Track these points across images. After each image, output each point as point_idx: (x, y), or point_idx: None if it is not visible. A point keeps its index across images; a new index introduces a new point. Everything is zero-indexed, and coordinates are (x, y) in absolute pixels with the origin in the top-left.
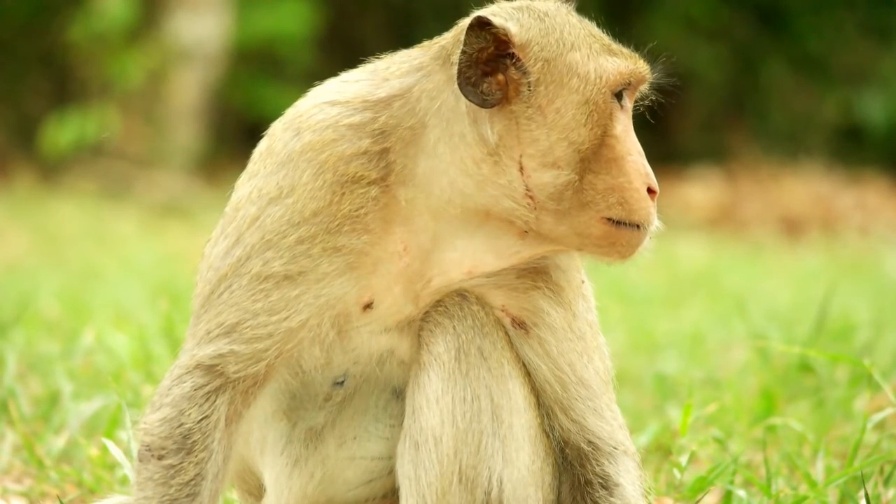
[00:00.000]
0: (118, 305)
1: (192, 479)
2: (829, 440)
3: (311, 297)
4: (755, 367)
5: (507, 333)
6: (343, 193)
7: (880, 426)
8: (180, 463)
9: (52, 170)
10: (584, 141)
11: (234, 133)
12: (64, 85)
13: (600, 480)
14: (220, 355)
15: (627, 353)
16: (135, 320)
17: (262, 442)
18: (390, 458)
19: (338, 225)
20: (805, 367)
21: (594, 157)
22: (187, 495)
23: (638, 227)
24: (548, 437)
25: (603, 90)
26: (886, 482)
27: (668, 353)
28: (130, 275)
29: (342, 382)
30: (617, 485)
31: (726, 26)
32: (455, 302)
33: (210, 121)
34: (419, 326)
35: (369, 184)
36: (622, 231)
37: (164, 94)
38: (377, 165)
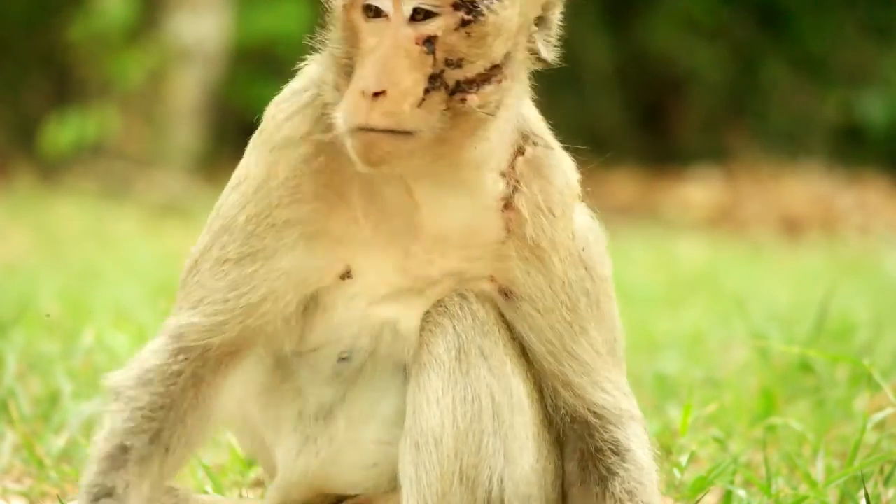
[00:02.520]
0: (118, 305)
1: (147, 407)
2: (829, 440)
3: (267, 273)
4: (755, 367)
5: (509, 331)
6: (277, 162)
7: (880, 426)
8: (138, 394)
9: (51, 169)
10: (342, 57)
11: (234, 133)
12: (64, 85)
13: (611, 447)
14: (182, 325)
15: (627, 352)
16: (135, 320)
17: (276, 419)
18: (395, 443)
19: (278, 197)
20: (805, 366)
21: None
22: (145, 421)
23: (360, 130)
24: (550, 433)
25: (340, 6)
26: (886, 482)
27: (667, 352)
28: (130, 275)
29: (347, 358)
30: (628, 450)
31: (726, 26)
32: (455, 302)
33: (210, 121)
34: (420, 327)
35: (300, 142)
36: (353, 137)
37: (164, 94)
38: (311, 123)
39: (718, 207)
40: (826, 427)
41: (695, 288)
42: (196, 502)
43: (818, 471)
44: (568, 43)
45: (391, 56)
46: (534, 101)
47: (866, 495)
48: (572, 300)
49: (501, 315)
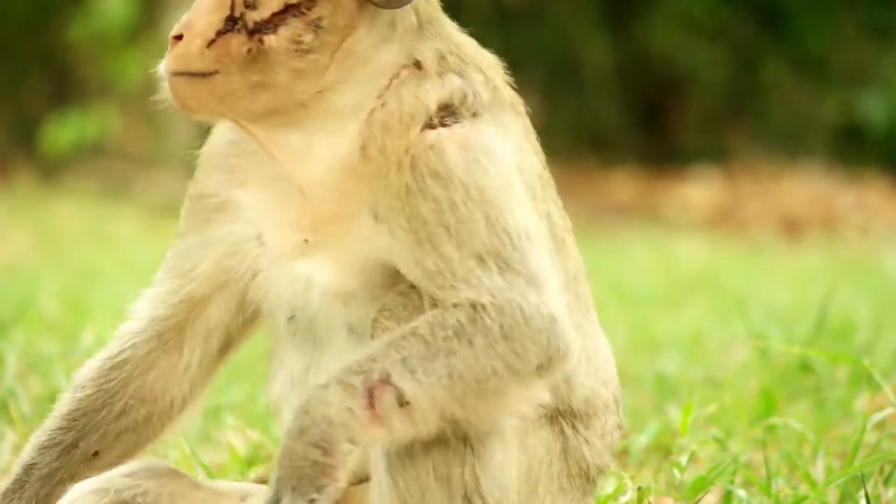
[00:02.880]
0: (118, 305)
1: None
2: (829, 440)
3: (204, 245)
4: (755, 367)
5: None
6: (209, 141)
7: (880, 426)
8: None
9: (51, 169)
10: None
11: None
12: (64, 85)
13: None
14: (150, 295)
15: (627, 352)
16: None
17: (273, 391)
18: None
19: (199, 173)
20: (805, 366)
21: None
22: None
23: (168, 75)
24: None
25: None
26: (886, 482)
27: (667, 352)
28: (130, 275)
29: (293, 317)
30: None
31: (726, 26)
32: (398, 303)
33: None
34: (370, 334)
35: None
36: (165, 84)
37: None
38: None
39: (718, 207)
40: (826, 427)
41: (695, 288)
42: (210, 488)
43: (818, 471)
44: (568, 43)
45: (198, 0)
46: (533, 100)
47: (866, 495)
48: (414, 208)
49: None
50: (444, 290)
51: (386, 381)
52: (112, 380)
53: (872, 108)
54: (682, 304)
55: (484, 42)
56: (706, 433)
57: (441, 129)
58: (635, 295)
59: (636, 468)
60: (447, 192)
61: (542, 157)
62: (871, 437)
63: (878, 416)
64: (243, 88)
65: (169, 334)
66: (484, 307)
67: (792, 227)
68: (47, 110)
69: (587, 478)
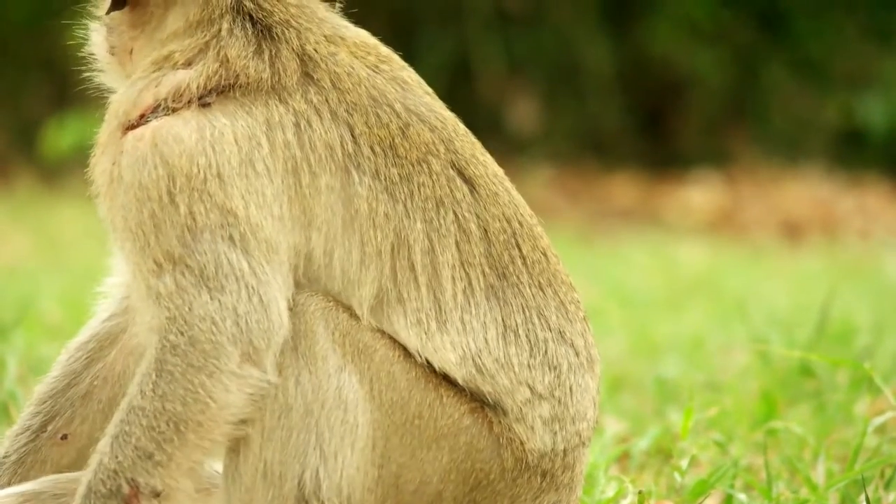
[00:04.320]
0: None
1: None
2: (830, 444)
3: None
4: (756, 371)
5: (350, 323)
6: None
7: (881, 430)
8: None
9: (52, 172)
10: None
11: None
12: (64, 88)
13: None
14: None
15: (628, 356)
16: None
17: None
18: None
19: None
20: (806, 370)
21: None
22: None
23: None
24: (410, 435)
25: None
26: (887, 486)
27: (668, 356)
28: None
29: None
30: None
31: (727, 29)
32: None
33: None
34: None
35: None
36: None
37: None
38: None
39: (719, 211)
40: (827, 431)
41: (695, 292)
42: None
43: (819, 475)
44: (568, 47)
45: None
46: (534, 104)
47: (867, 499)
48: (115, 220)
49: (336, 304)
50: (144, 303)
51: (135, 488)
52: (77, 360)
53: (873, 111)
54: (682, 308)
55: (485, 46)
56: (707, 437)
57: (133, 131)
58: (636, 299)
59: (637, 472)
60: (125, 195)
61: (330, 135)
62: (871, 440)
63: (878, 420)
64: None
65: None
66: (169, 321)
67: (792, 231)
68: (47, 113)
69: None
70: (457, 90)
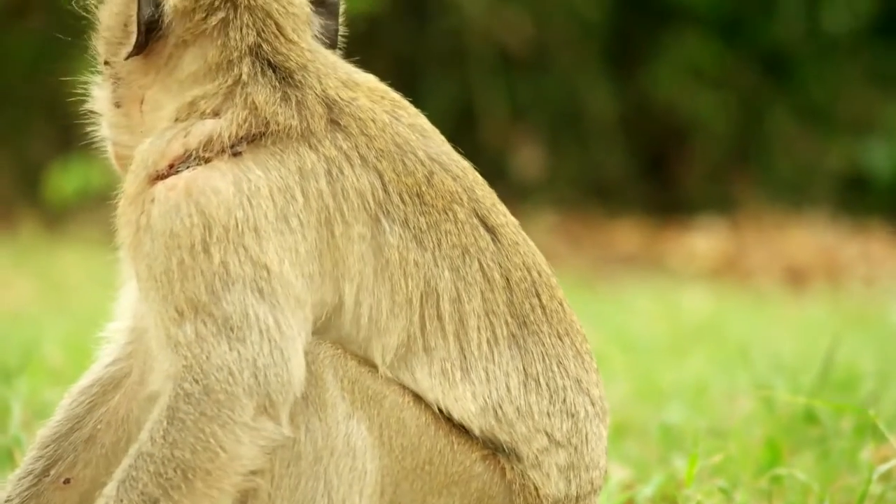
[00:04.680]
0: None
1: None
2: (835, 491)
3: None
4: (760, 417)
5: (358, 370)
6: None
7: (886, 477)
8: None
9: (56, 217)
10: None
11: None
12: (68, 132)
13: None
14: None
15: (632, 402)
16: None
17: None
18: None
19: None
20: (810, 417)
21: None
22: None
23: None
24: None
25: None
26: None
27: (672, 402)
28: None
29: None
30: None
31: (730, 75)
32: None
33: None
34: None
35: None
36: None
37: None
38: None
39: (723, 257)
40: (831, 478)
41: (699, 338)
42: None
43: None
44: (572, 92)
45: None
46: (537, 150)
47: None
48: (139, 269)
49: (345, 352)
50: (162, 351)
51: None
52: (80, 404)
53: (877, 157)
54: (686, 354)
55: (489, 91)
56: (711, 484)
57: (164, 180)
58: (640, 345)
59: None
60: (153, 243)
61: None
62: (876, 487)
63: (883, 468)
64: None
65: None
66: (185, 369)
67: (796, 277)
68: (51, 157)
69: None
70: (460, 136)
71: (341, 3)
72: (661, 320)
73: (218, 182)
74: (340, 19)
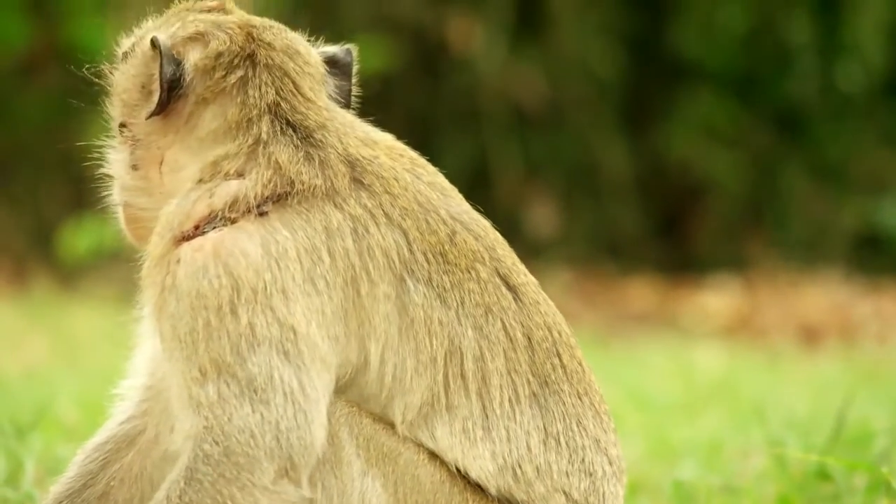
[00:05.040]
0: None
1: None
2: None
3: None
4: (773, 475)
5: (373, 428)
6: None
7: None
8: None
9: (70, 275)
10: None
11: None
12: (81, 190)
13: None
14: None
15: (645, 460)
16: None
17: None
18: None
19: None
20: (823, 474)
21: None
22: None
23: None
24: None
25: None
26: None
27: (685, 460)
28: None
29: None
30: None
31: (745, 134)
32: None
33: None
34: None
35: None
36: None
37: None
38: None
39: (737, 315)
40: None
41: (713, 395)
42: None
43: None
44: (586, 149)
45: None
46: (552, 207)
47: None
48: (163, 329)
49: (360, 410)
50: (183, 411)
51: None
52: (94, 460)
53: (890, 216)
54: (700, 412)
55: (503, 149)
56: None
57: (190, 241)
58: (653, 402)
59: None
60: (178, 303)
61: (385, 240)
62: None
63: None
64: None
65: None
66: (206, 430)
67: (810, 335)
68: (65, 215)
69: None
70: (475, 193)
71: (354, 63)
72: (675, 378)
73: (246, 243)
74: (354, 79)
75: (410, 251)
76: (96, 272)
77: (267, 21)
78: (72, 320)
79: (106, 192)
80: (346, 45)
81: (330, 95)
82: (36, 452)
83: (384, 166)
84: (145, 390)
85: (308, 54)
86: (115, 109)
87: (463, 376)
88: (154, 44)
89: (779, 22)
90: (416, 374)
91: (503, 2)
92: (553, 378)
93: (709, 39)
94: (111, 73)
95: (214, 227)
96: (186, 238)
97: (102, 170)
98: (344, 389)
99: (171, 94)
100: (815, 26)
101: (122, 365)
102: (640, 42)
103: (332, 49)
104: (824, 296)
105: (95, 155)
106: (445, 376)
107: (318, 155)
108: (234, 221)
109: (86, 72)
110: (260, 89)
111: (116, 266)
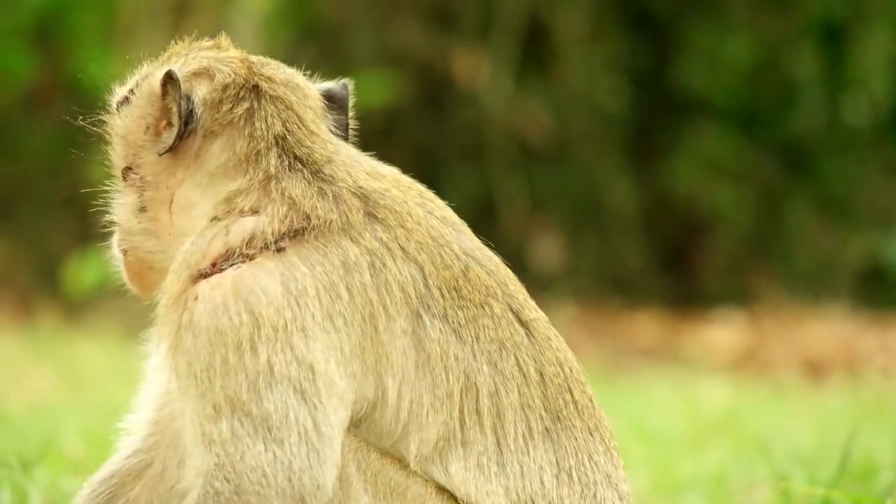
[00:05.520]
0: None
1: None
2: None
3: None
4: None
5: (381, 462)
6: None
7: None
8: None
9: (75, 309)
10: None
11: None
12: (86, 224)
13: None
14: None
15: (651, 493)
16: None
17: None
18: None
19: None
20: None
21: None
22: None
23: None
24: None
25: None
26: None
27: (690, 494)
28: None
29: None
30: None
31: (749, 168)
32: None
33: None
34: None
35: None
36: None
37: None
38: None
39: (742, 350)
40: None
41: (718, 429)
42: None
43: None
44: (592, 184)
45: None
46: (557, 241)
47: None
48: (178, 366)
49: (367, 444)
50: (195, 448)
51: None
52: (100, 494)
53: None
54: (705, 446)
55: (508, 183)
56: None
57: (208, 279)
58: (659, 436)
59: None
60: (195, 340)
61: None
62: None
63: None
64: None
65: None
66: (217, 468)
67: (815, 370)
68: (70, 249)
69: None
70: (480, 227)
71: (351, 97)
72: (680, 411)
73: (266, 281)
74: (351, 113)
75: (426, 286)
76: (102, 305)
77: (263, 58)
78: (77, 354)
79: (106, 243)
80: (343, 80)
81: (330, 129)
82: (42, 486)
83: (396, 199)
84: (152, 425)
85: (307, 88)
86: (118, 154)
87: (478, 412)
88: (171, 76)
89: (784, 56)
90: (432, 410)
91: (509, 36)
92: (565, 413)
93: (714, 74)
94: (111, 118)
95: (232, 265)
96: (204, 276)
97: (107, 217)
98: (357, 424)
99: (186, 129)
100: (821, 60)
101: (129, 399)
102: (646, 76)
103: (329, 84)
104: (830, 329)
105: (100, 197)
106: (461, 411)
107: (331, 190)
108: (251, 258)
109: (90, 109)
110: (266, 121)
111: (121, 300)
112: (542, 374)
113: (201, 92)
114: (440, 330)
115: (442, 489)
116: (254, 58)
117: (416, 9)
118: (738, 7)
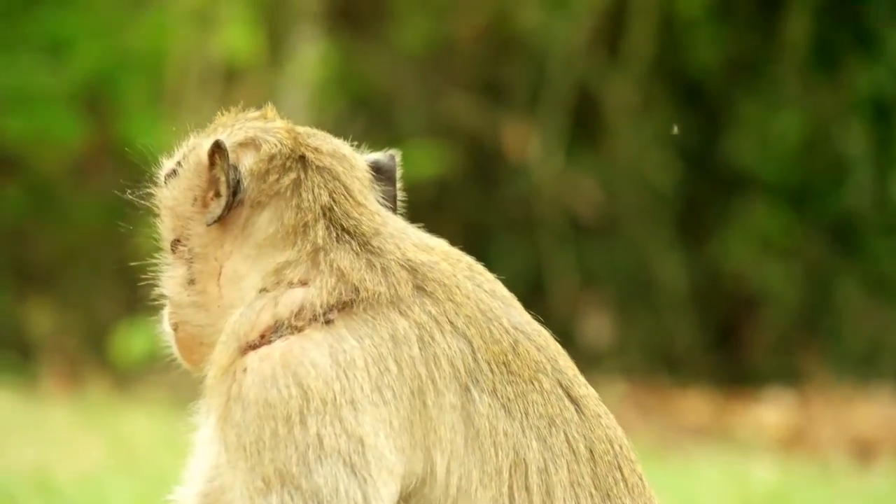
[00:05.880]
0: None
1: None
2: None
3: None
4: None
5: None
6: None
7: None
8: None
9: (124, 378)
10: None
11: None
12: (135, 294)
13: None
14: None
15: None
16: None
17: None
18: None
19: None
20: None
21: None
22: None
23: None
24: None
25: None
26: None
27: None
28: None
29: None
30: None
31: (799, 245)
32: None
33: None
34: None
35: None
36: None
37: None
38: None
39: (791, 429)
40: None
41: None
42: None
43: None
44: (641, 260)
45: None
46: (606, 317)
47: None
48: (228, 438)
49: None
50: None
51: None
52: None
53: None
54: None
55: (558, 258)
56: None
57: (256, 351)
58: None
59: None
60: (244, 412)
61: (451, 348)
62: None
63: None
64: None
65: None
66: None
67: (864, 451)
68: (119, 319)
69: None
70: (529, 301)
71: (398, 168)
72: (729, 491)
73: (314, 353)
74: (398, 184)
75: (475, 360)
76: (152, 375)
77: (309, 128)
78: (126, 424)
79: (156, 316)
80: (390, 151)
81: (378, 200)
82: None
83: (445, 273)
84: (202, 497)
85: (354, 158)
86: (166, 226)
87: (528, 489)
88: (219, 146)
89: (834, 133)
90: (481, 486)
91: (559, 109)
92: (615, 492)
93: (764, 150)
94: (159, 191)
95: (281, 336)
96: (252, 347)
97: (156, 290)
98: (407, 499)
99: (234, 199)
100: (870, 137)
101: (178, 470)
102: (696, 152)
103: (376, 155)
104: (878, 410)
105: (149, 270)
106: (510, 488)
107: (380, 262)
108: (300, 330)
109: (138, 181)
110: (313, 192)
111: (171, 370)
112: (592, 452)
113: (248, 162)
114: (489, 405)
115: None
116: (300, 128)
117: (467, 81)
118: (787, 83)
